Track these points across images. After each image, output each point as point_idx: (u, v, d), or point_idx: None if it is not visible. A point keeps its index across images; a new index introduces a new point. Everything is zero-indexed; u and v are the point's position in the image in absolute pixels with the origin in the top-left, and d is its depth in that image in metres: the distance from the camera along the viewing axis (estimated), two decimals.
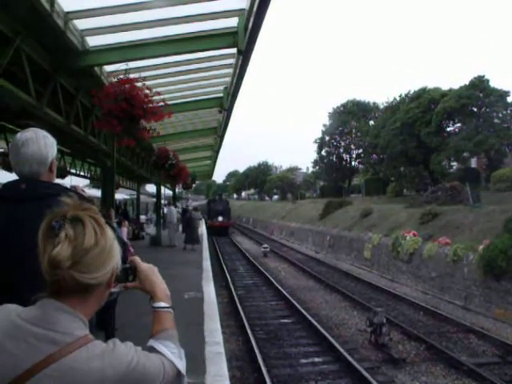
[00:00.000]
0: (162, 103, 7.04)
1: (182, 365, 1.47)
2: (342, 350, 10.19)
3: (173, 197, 35.14)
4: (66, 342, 1.21)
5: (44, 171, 2.29)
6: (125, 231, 6.71)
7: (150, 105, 6.76)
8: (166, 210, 20.70)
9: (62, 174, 15.73)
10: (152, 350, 1.43)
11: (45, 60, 6.70)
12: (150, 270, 1.63)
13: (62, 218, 1.26)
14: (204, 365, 5.33)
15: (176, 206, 33.29)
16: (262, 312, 14.57)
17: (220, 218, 47.22)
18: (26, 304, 1.31)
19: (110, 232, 1.34)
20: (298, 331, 12.34)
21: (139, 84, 6.73)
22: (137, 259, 1.64)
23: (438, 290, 16.68)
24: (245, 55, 7.95)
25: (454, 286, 15.74)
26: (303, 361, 10.12)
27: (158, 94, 7.15)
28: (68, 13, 5.96)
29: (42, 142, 2.27)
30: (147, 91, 6.79)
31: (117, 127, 6.85)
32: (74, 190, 2.71)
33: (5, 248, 2.00)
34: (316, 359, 10.20)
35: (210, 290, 10.21)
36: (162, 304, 1.57)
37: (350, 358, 9.65)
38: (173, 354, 1.44)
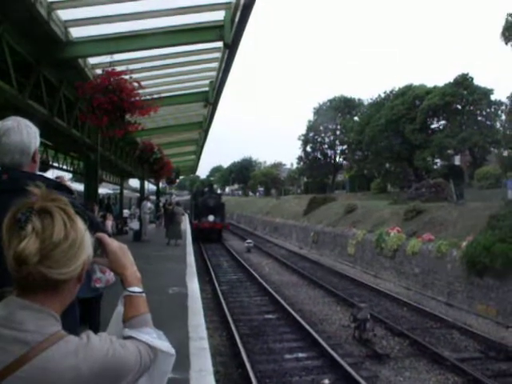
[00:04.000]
0: (148, 96, 6.97)
1: (164, 345, 1.41)
2: (325, 345, 10.20)
3: (156, 191, 34.95)
4: (37, 342, 1.15)
5: (26, 161, 2.21)
6: (109, 224, 6.67)
7: (137, 98, 6.70)
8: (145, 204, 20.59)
9: (44, 167, 15.54)
10: (128, 338, 1.37)
11: (28, 51, 6.60)
12: (121, 251, 1.53)
13: (29, 209, 1.18)
14: (188, 360, 5.29)
15: (159, 201, 33.18)
16: (245, 307, 14.55)
17: (211, 218, 34.16)
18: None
19: (80, 224, 1.25)
20: (282, 327, 12.34)
21: (126, 77, 6.66)
22: (106, 237, 1.53)
23: (421, 286, 16.79)
24: (231, 49, 7.92)
25: (437, 282, 15.86)
26: (287, 356, 10.12)
27: (142, 87, 7.07)
28: (52, 3, 5.87)
29: (24, 132, 2.19)
30: (135, 84, 6.72)
31: (103, 120, 6.77)
32: (59, 181, 2.64)
33: None
34: (300, 355, 10.20)
35: (194, 285, 10.17)
36: (133, 288, 1.48)
37: (333, 354, 9.65)
38: (153, 338, 1.39)
